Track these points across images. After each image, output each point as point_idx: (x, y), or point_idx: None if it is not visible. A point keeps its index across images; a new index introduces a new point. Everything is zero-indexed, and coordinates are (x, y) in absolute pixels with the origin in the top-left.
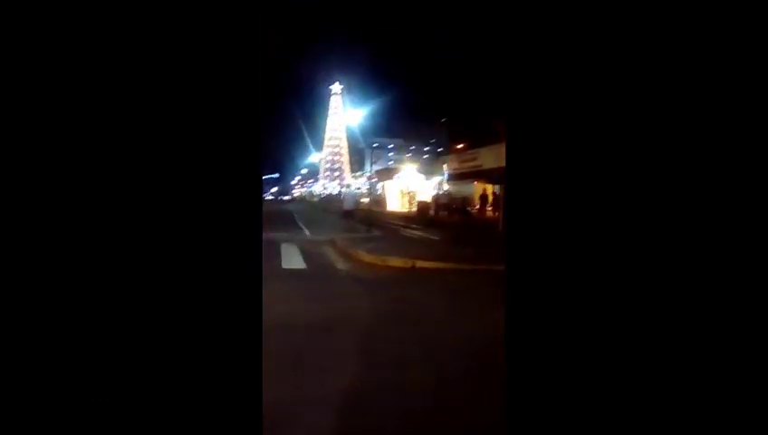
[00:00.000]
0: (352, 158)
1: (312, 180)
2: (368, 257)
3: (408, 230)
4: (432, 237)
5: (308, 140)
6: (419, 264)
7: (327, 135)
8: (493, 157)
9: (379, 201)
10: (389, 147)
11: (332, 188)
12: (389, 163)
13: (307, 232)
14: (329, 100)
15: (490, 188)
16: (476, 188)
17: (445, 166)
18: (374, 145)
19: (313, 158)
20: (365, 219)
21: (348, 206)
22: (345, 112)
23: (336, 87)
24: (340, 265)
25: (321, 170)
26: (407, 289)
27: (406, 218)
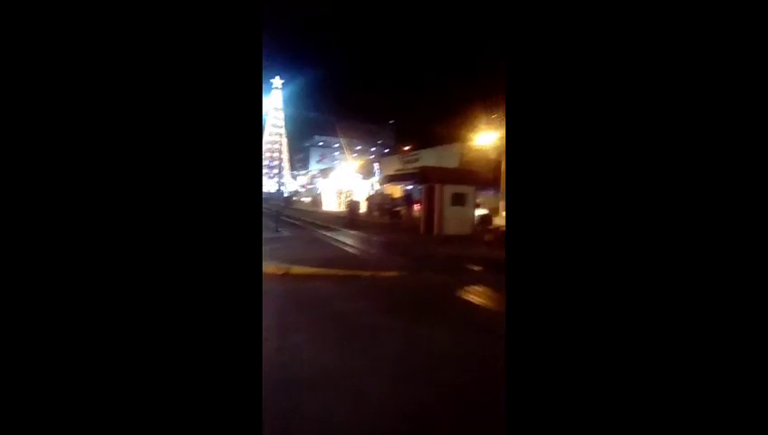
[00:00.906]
0: (294, 156)
1: None
2: None
3: (323, 231)
4: (339, 238)
5: None
6: (295, 270)
7: (265, 131)
8: (434, 159)
9: (319, 201)
10: (335, 145)
11: (271, 186)
12: (335, 163)
13: None
14: (269, 94)
15: (397, 191)
16: (387, 189)
17: (376, 166)
18: (320, 143)
19: None
20: (276, 219)
21: None
22: (285, 108)
23: (276, 81)
24: None
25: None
26: None
27: (332, 219)
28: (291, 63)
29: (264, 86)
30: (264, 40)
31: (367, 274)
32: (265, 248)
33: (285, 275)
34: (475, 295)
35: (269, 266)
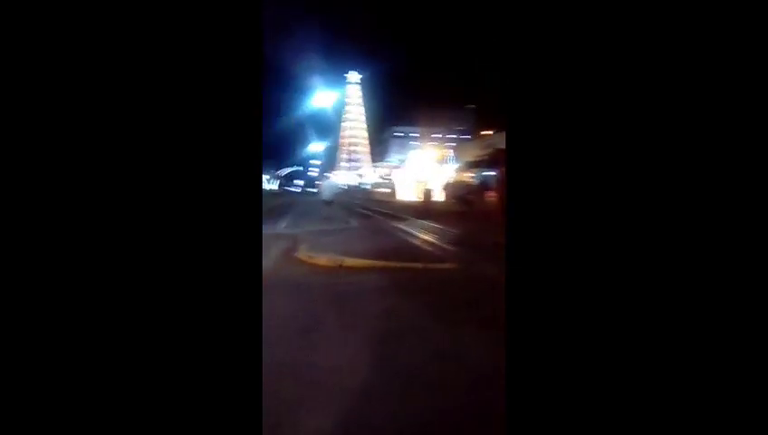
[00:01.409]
0: (374, 148)
1: (335, 170)
2: (302, 254)
3: (391, 221)
4: (406, 228)
5: (310, 131)
6: (348, 262)
7: (345, 124)
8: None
9: (397, 191)
10: (414, 135)
11: (352, 178)
12: (413, 152)
13: (283, 224)
14: (344, 89)
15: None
16: (463, 176)
17: (450, 152)
18: (399, 134)
19: (316, 147)
20: (347, 208)
21: (326, 196)
22: (363, 101)
23: (353, 76)
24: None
25: (340, 161)
26: (285, 294)
27: (405, 208)
28: (368, 56)
29: (337, 81)
30: (336, 35)
31: (419, 266)
32: (330, 239)
33: (339, 267)
34: None
35: (323, 259)
